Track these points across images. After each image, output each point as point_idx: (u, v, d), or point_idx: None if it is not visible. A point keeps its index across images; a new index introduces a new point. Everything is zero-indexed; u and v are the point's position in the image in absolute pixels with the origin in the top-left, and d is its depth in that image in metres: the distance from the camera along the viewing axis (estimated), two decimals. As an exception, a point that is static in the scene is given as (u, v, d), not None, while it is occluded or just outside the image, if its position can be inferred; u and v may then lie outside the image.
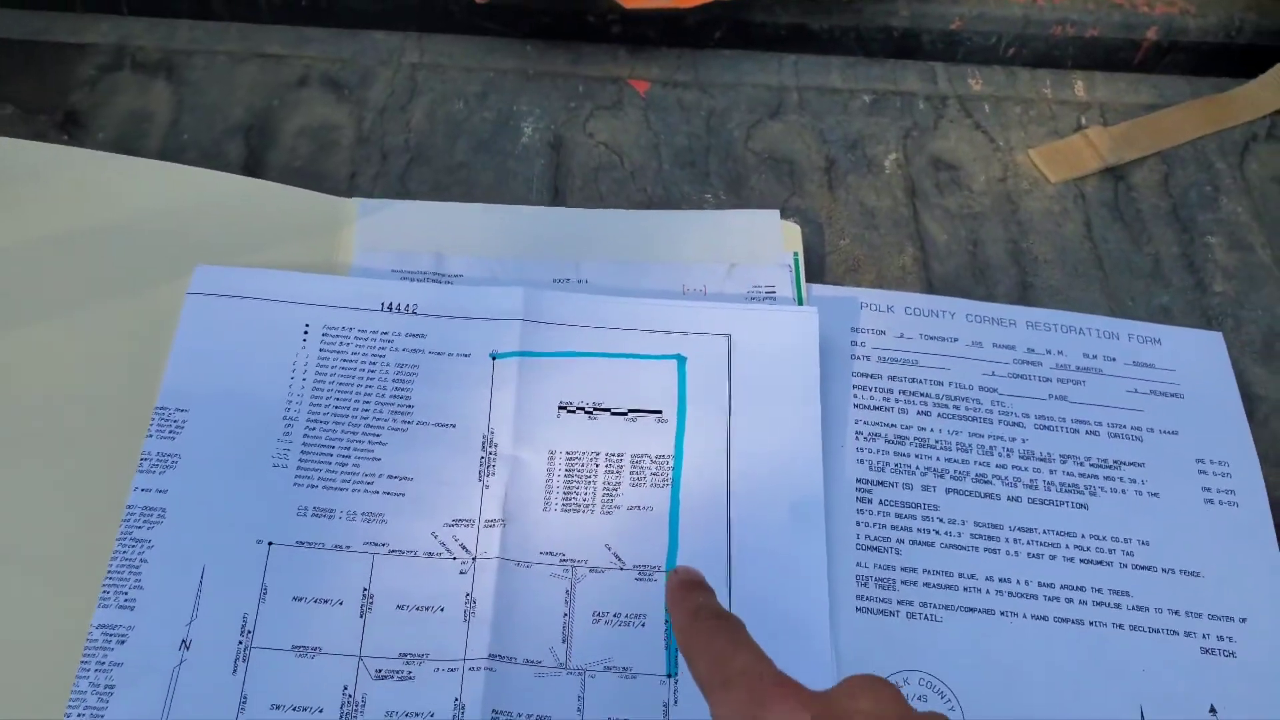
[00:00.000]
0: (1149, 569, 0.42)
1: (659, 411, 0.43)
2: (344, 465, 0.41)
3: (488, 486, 0.41)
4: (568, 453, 0.42)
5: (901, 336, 0.47)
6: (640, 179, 0.52)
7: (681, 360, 0.44)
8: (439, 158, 0.51)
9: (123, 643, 0.36)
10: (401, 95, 0.53)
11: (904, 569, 0.42)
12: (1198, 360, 0.48)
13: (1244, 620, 0.41)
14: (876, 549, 0.42)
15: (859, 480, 0.43)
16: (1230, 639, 0.41)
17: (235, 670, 0.36)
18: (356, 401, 0.42)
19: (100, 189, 0.46)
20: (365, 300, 0.44)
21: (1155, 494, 0.44)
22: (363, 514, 0.40)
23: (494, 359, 0.43)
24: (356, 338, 0.43)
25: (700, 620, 0.31)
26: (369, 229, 0.47)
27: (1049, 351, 0.47)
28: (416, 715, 0.36)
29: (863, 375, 0.46)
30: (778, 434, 0.43)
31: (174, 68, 0.53)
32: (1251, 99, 0.57)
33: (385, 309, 0.44)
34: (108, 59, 0.53)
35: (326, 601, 0.38)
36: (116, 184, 0.47)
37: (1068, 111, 0.56)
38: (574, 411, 0.43)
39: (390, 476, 0.41)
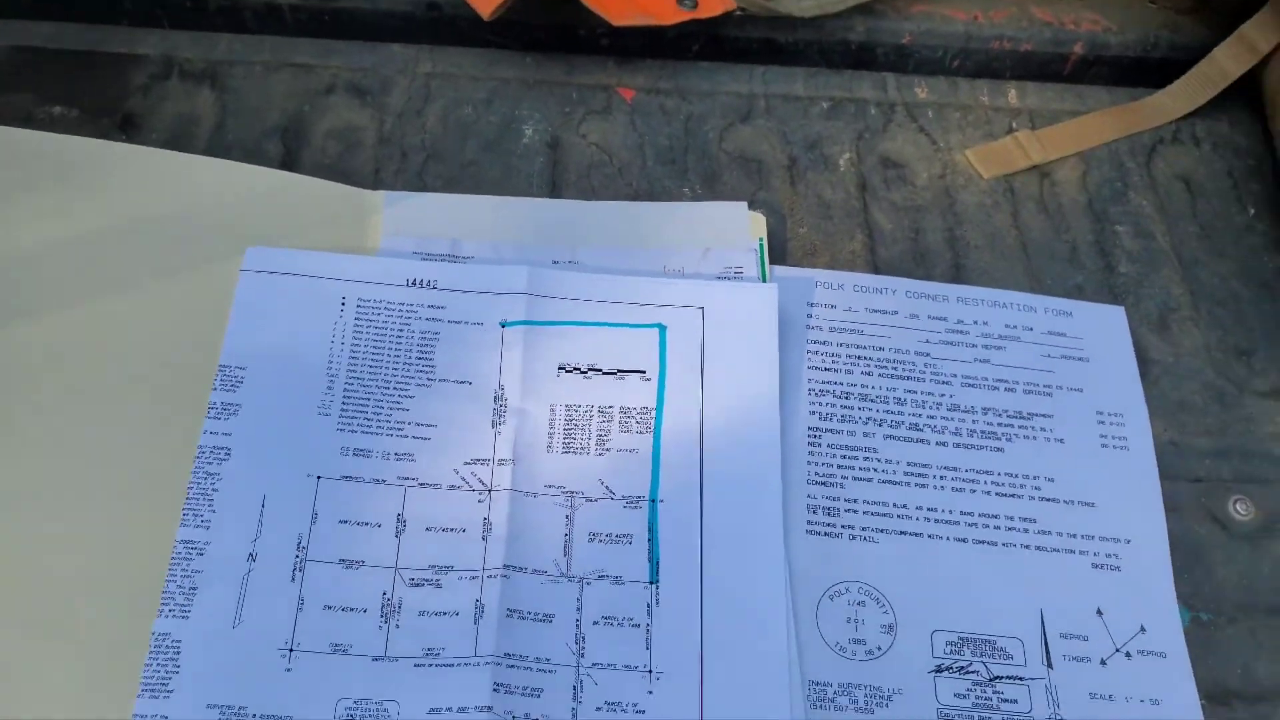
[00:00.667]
0: (1052, 501, 0.51)
1: (643, 371, 0.51)
2: (378, 414, 0.48)
3: (500, 433, 0.49)
4: (566, 405, 0.50)
5: (850, 310, 0.55)
6: (627, 175, 0.59)
7: (662, 329, 0.52)
8: (452, 156, 0.59)
9: (201, 554, 0.44)
10: (417, 101, 0.61)
11: (847, 500, 0.50)
12: (1102, 330, 0.56)
13: (1128, 541, 0.50)
14: (824, 484, 0.50)
15: (810, 428, 0.51)
16: (1116, 556, 0.49)
17: (293, 579, 0.44)
18: (387, 362, 0.50)
19: (161, 181, 0.54)
20: (392, 277, 0.52)
21: (1060, 440, 0.52)
22: (395, 454, 0.48)
23: (503, 327, 0.51)
24: (386, 309, 0.51)
25: None
26: (393, 218, 0.55)
27: (975, 322, 0.55)
28: (444, 614, 0.44)
29: (816, 342, 0.54)
30: (743, 390, 0.51)
31: (216, 76, 0.60)
32: (1160, 107, 0.65)
33: (410, 284, 0.52)
34: (158, 69, 0.60)
35: (367, 524, 0.46)
36: (174, 177, 0.54)
37: (1001, 117, 0.64)
38: (571, 371, 0.51)
39: (417, 424, 0.49)
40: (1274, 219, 0.61)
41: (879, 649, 0.46)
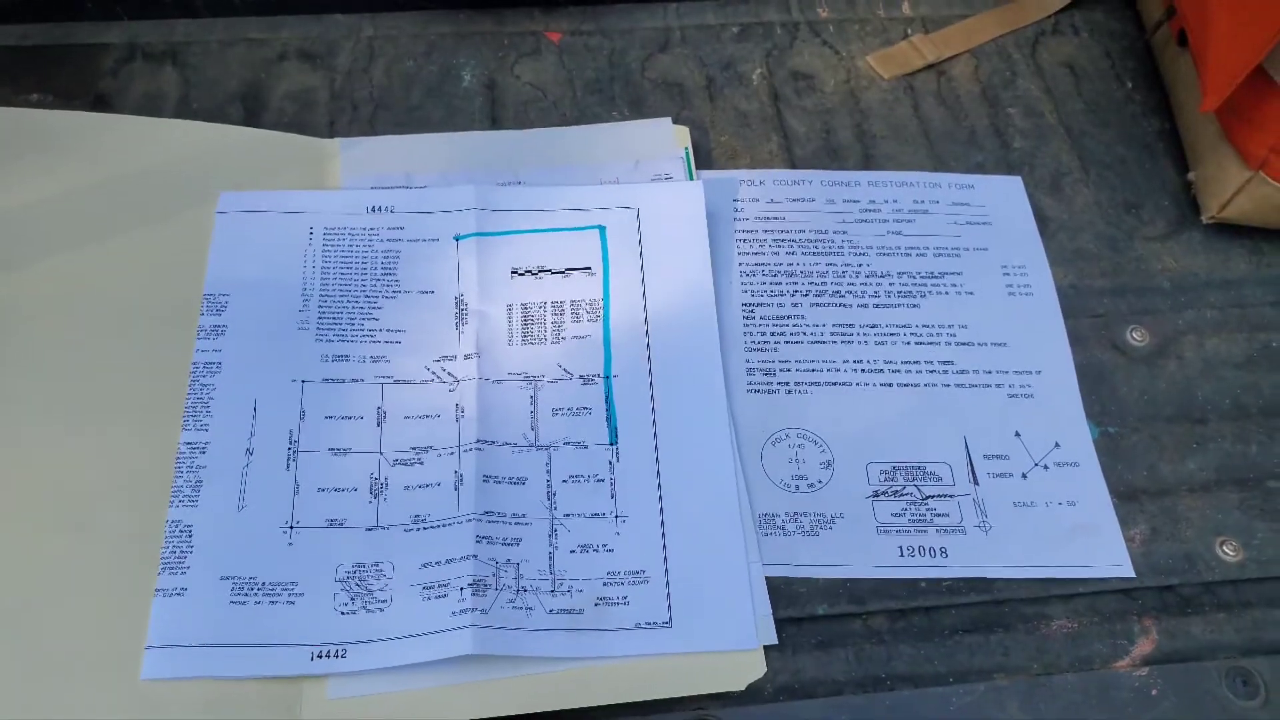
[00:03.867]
0: (967, 344, 0.56)
1: (589, 268, 0.56)
2: (352, 324, 0.54)
3: (463, 332, 0.54)
4: (522, 304, 0.55)
5: (772, 201, 0.61)
6: (560, 107, 0.65)
7: (602, 229, 0.57)
8: (398, 104, 0.64)
9: (203, 452, 0.49)
10: (363, 60, 0.66)
11: (781, 361, 0.55)
12: (1003, 197, 0.62)
13: (1039, 372, 0.55)
14: (760, 349, 0.55)
15: (744, 304, 0.57)
16: (1029, 385, 0.55)
17: (288, 468, 0.49)
18: (355, 279, 0.55)
19: (138, 144, 0.59)
20: (353, 206, 0.57)
21: (971, 293, 0.58)
22: (370, 357, 0.53)
23: (458, 240, 0.56)
24: (350, 234, 0.56)
25: None
26: (350, 161, 0.60)
27: (886, 201, 0.61)
28: (427, 485, 0.49)
29: (744, 231, 0.59)
30: (680, 274, 0.56)
31: (177, 55, 0.66)
32: (1040, 3, 0.71)
33: (370, 211, 0.57)
34: (123, 54, 0.65)
35: (350, 418, 0.51)
36: (149, 139, 0.59)
37: (897, 25, 0.70)
38: (524, 274, 0.56)
39: (388, 330, 0.54)
40: (1150, 89, 0.67)
41: (820, 482, 0.52)
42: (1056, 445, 0.53)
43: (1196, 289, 0.60)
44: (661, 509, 0.50)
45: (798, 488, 0.51)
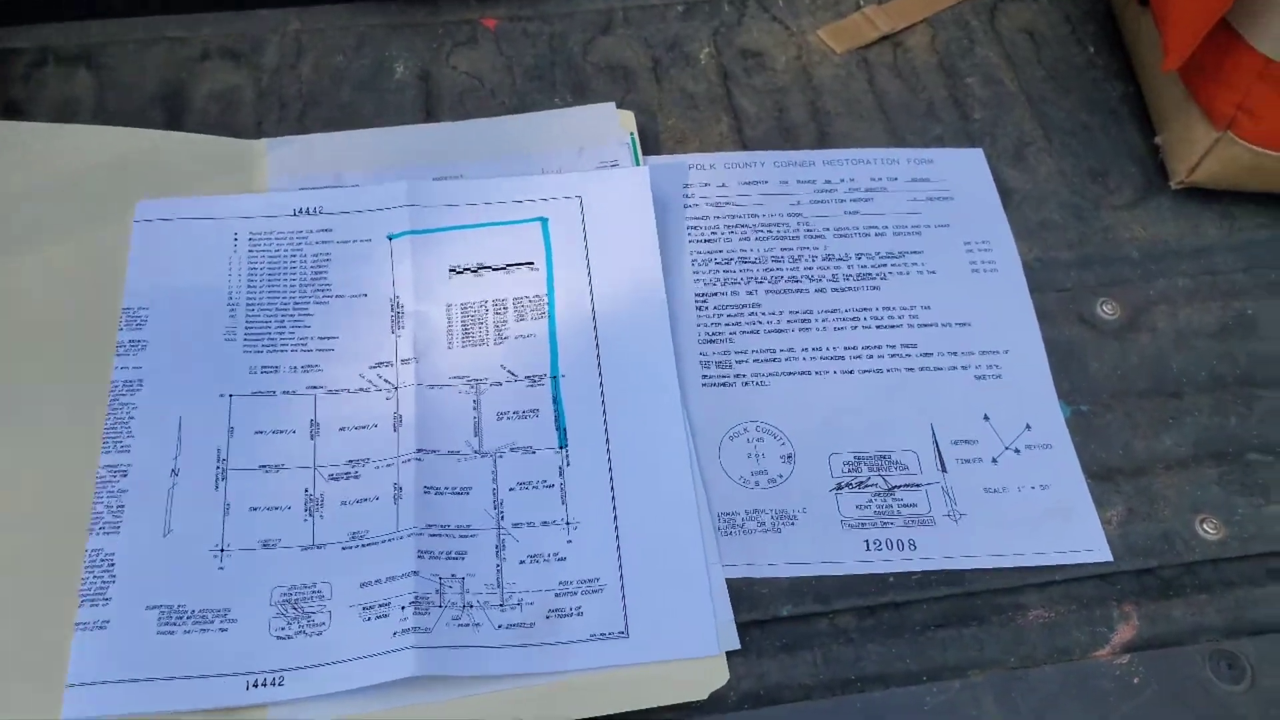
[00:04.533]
0: (930, 325, 0.54)
1: (531, 263, 0.53)
2: (281, 333, 0.51)
3: (400, 336, 0.51)
4: (462, 304, 0.52)
5: (723, 186, 0.58)
6: (499, 95, 0.62)
7: (544, 221, 0.54)
8: (328, 100, 0.61)
9: (125, 475, 0.46)
10: (290, 56, 0.63)
11: (737, 352, 0.53)
12: (964, 171, 0.60)
13: (1006, 351, 0.53)
14: (714, 341, 0.53)
15: (697, 294, 0.54)
16: (997, 366, 0.53)
17: (217, 487, 0.46)
18: (284, 286, 0.52)
19: (47, 153, 0.56)
20: (279, 209, 0.54)
21: (933, 271, 0.56)
22: (302, 367, 0.50)
23: (391, 240, 0.53)
24: (277, 238, 0.53)
25: None
26: (278, 161, 0.57)
27: (842, 180, 0.59)
28: (365, 500, 0.47)
29: (695, 219, 0.57)
30: (627, 265, 0.53)
31: (92, 57, 0.62)
32: (996, -32, 0.69)
33: (297, 213, 0.54)
34: (34, 58, 0.62)
35: (282, 432, 0.48)
36: (60, 147, 0.56)
37: (848, -2, 0.68)
38: (462, 272, 0.53)
39: (320, 338, 0.51)
40: (1112, 52, 0.65)
41: (780, 477, 0.49)
42: (1027, 427, 0.51)
43: (1167, 257, 0.57)
44: (615, 513, 0.47)
45: (758, 484, 0.49)
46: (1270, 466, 0.50)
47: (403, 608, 0.44)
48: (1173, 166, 0.58)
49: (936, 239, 0.57)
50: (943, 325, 0.54)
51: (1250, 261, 0.57)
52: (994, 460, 0.50)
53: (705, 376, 0.52)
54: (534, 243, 0.54)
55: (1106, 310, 0.55)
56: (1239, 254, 0.58)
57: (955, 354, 0.53)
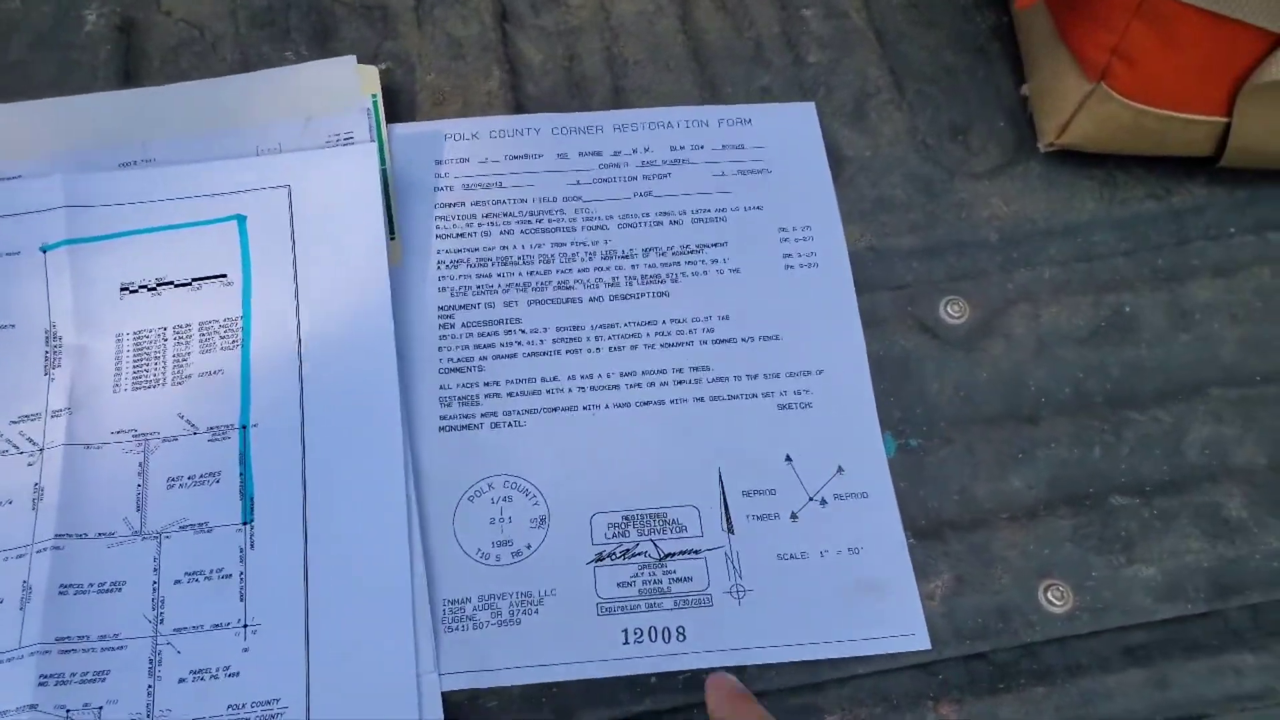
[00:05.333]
0: (728, 341, 0.43)
1: (224, 275, 0.42)
2: (-110, 384, 0.40)
3: (53, 379, 0.40)
4: (135, 332, 0.41)
5: (485, 161, 0.47)
6: (221, 49, 0.50)
7: (241, 219, 0.43)
8: (-4, 61, 0.49)
9: None
10: (-46, 2, 0.50)
11: (487, 384, 0.42)
12: (789, 133, 0.48)
13: (820, 372, 0.43)
14: (459, 369, 0.42)
15: (441, 307, 0.43)
16: (807, 391, 0.42)
17: None
18: (-100, 319, 0.41)
19: None
20: (-103, 217, 0.42)
21: (736, 270, 0.45)
22: (-85, 428, 0.39)
23: (44, 252, 0.42)
24: (-106, 255, 0.42)
25: None
26: (-81, 145, 0.45)
27: (635, 150, 0.47)
28: (-23, 608, 0.37)
29: (445, 206, 0.46)
30: (346, 277, 0.42)
31: None
32: None
33: (-82, 222, 0.42)
34: None
35: (-121, 519, 0.38)
36: None
37: (669, -92, 0.55)
38: (136, 291, 0.42)
39: (-56, 387, 0.40)
40: (985, -27, 0.53)
41: (528, 547, 0.39)
42: (839, 470, 0.41)
43: (1033, 240, 0.47)
44: (307, 611, 0.37)
45: (499, 559, 0.39)
46: (1135, 513, 0.41)
47: (13, 756, 0.34)
48: (1041, 125, 0.47)
49: (745, 225, 0.46)
50: (743, 340, 0.43)
51: (1135, 242, 0.47)
52: (793, 516, 0.40)
53: (444, 418, 0.41)
54: (228, 248, 0.43)
55: (952, 312, 0.45)
56: (1121, 232, 0.47)
57: (756, 377, 0.43)
